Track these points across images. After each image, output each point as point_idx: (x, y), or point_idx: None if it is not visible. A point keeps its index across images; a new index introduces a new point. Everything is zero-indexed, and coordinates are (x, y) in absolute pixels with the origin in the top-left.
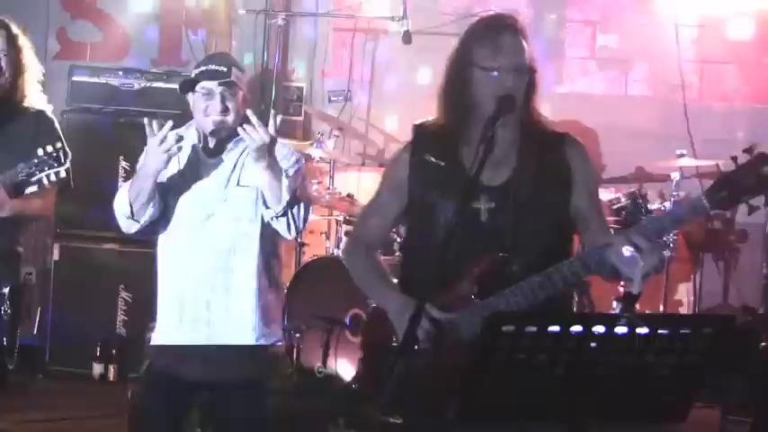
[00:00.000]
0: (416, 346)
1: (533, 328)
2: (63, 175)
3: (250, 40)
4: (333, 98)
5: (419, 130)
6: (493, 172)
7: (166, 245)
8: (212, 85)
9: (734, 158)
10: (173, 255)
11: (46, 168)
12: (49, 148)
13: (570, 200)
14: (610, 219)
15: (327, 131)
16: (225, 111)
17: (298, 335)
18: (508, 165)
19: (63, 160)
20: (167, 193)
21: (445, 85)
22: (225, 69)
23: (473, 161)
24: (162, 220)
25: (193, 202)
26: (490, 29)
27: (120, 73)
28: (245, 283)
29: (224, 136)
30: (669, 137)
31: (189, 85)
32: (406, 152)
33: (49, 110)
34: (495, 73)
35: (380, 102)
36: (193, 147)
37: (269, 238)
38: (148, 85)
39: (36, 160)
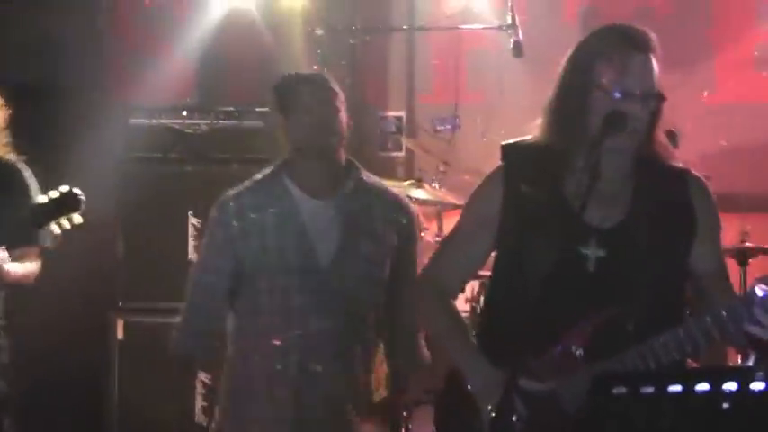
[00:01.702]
0: None
1: (650, 389)
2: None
3: (335, 65)
4: (439, 127)
5: (512, 152)
6: (604, 212)
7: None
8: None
9: None
10: None
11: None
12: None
13: (692, 249)
14: None
15: (433, 168)
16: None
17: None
18: (622, 204)
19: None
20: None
21: (555, 101)
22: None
23: (578, 194)
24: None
25: None
26: (620, 45)
27: (185, 113)
28: None
29: None
30: None
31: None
32: (497, 180)
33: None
34: (618, 95)
35: (495, 129)
36: None
37: None
38: (217, 123)
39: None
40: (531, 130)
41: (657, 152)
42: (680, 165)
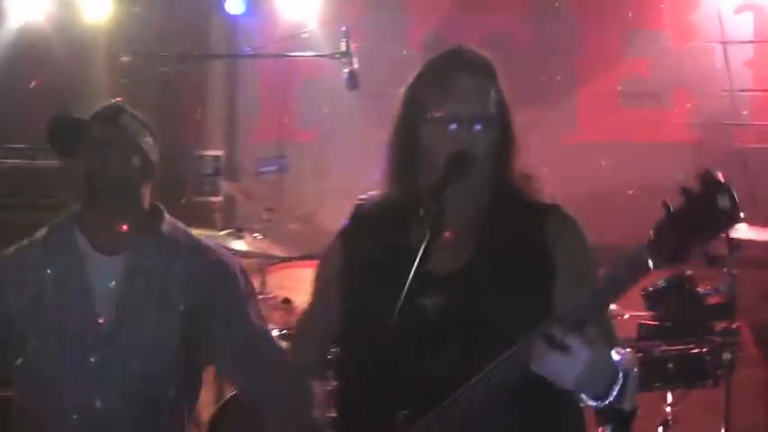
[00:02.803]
0: None
1: None
2: None
3: (143, 96)
4: (263, 169)
5: (358, 209)
6: (448, 256)
7: None
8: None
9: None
10: None
11: None
12: None
13: (551, 297)
14: (643, 314)
15: (256, 215)
16: None
17: None
18: (467, 246)
19: None
20: None
21: (390, 143)
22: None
23: (429, 245)
24: None
25: None
26: (441, 67)
27: None
28: None
29: None
30: None
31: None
32: (336, 242)
33: None
34: (454, 126)
35: (327, 172)
36: None
37: None
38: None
39: None
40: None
41: (516, 186)
42: (547, 201)
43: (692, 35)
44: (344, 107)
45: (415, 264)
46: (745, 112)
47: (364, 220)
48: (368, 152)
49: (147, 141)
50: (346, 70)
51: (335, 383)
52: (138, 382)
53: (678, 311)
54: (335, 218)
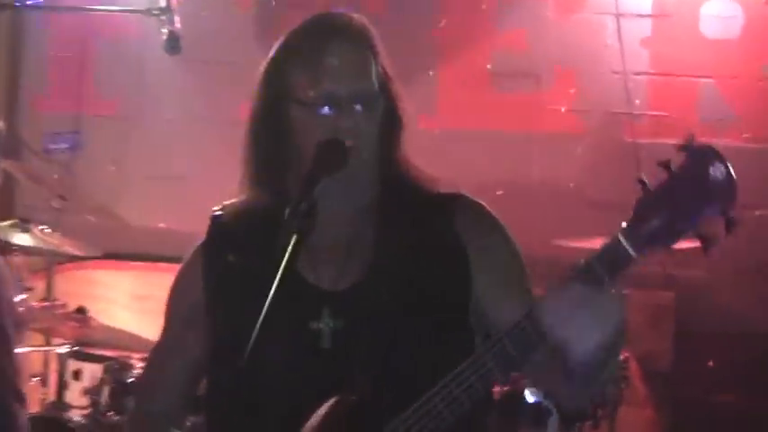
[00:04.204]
0: None
1: None
2: None
3: None
4: (52, 146)
5: (218, 218)
6: (337, 270)
7: None
8: None
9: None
10: None
11: None
12: None
13: (470, 296)
14: None
15: (44, 203)
16: None
17: None
18: (360, 255)
19: None
20: None
21: (249, 133)
22: None
23: (295, 253)
24: None
25: None
26: (308, 36)
27: None
28: None
29: None
30: (611, 199)
31: None
32: (195, 257)
33: None
34: (328, 108)
35: (132, 155)
36: None
37: None
38: None
39: None
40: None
41: (407, 177)
42: (446, 191)
43: (578, 5)
44: (156, 75)
45: (277, 278)
46: (638, 101)
47: (228, 234)
48: (185, 132)
49: None
50: (165, 30)
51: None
52: None
53: None
54: (142, 210)
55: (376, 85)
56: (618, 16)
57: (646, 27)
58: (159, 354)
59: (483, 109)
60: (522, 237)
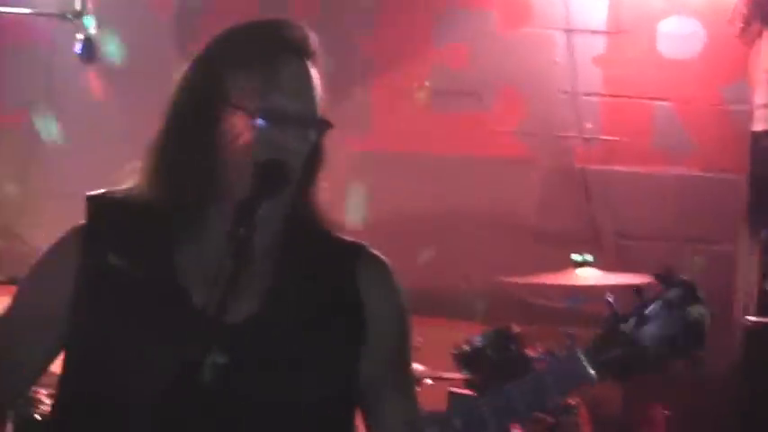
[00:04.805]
0: None
1: None
2: None
3: None
4: None
5: (99, 206)
6: (230, 299)
7: None
8: None
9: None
10: None
11: None
12: None
13: (359, 356)
14: (455, 377)
15: None
16: None
17: None
18: (255, 289)
19: None
20: None
21: (167, 129)
22: None
23: (202, 276)
24: None
25: None
26: (260, 43)
27: None
28: None
29: None
30: (559, 231)
31: None
32: (71, 247)
33: None
34: (260, 121)
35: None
36: None
37: None
38: None
39: None
40: (125, 175)
41: (315, 214)
42: (349, 238)
43: (525, 18)
44: (68, 84)
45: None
46: (589, 125)
47: (113, 224)
48: (97, 148)
49: None
50: (80, 36)
51: None
52: None
53: (499, 379)
54: (48, 234)
55: (318, 112)
56: (568, 32)
57: (599, 44)
58: None
59: (420, 130)
60: (461, 271)
